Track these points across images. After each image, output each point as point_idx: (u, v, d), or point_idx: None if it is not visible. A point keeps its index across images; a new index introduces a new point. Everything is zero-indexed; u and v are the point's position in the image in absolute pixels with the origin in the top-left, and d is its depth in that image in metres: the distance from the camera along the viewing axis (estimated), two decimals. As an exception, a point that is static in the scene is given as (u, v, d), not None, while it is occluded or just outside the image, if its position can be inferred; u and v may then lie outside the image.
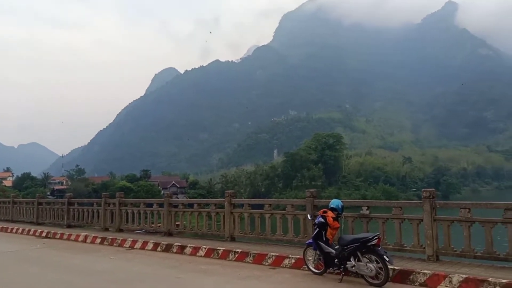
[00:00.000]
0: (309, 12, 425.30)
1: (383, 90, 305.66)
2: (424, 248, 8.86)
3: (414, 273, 7.82)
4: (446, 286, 7.35)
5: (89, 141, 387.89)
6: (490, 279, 7.01)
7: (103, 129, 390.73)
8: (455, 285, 7.27)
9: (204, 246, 11.60)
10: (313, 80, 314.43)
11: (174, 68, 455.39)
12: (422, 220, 8.92)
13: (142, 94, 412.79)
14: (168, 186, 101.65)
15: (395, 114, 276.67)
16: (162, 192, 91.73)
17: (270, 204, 12.03)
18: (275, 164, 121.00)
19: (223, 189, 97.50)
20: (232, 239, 12.41)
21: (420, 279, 7.69)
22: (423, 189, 9.30)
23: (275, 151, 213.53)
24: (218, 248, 11.25)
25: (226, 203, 12.59)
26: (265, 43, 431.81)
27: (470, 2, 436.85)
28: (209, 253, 11.32)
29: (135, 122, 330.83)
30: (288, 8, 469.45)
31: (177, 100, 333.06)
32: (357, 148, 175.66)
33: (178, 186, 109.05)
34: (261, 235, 11.83)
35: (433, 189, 9.24)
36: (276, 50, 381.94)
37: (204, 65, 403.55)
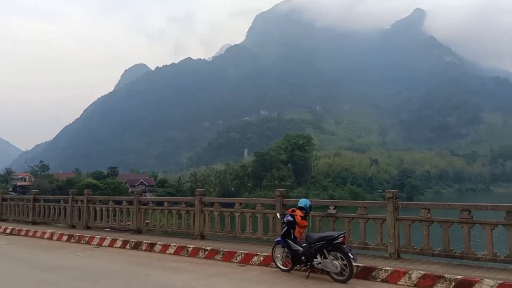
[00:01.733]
0: (282, 13, 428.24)
1: (352, 93, 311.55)
2: (386, 246, 9.27)
3: (376, 269, 8.19)
4: (405, 282, 7.76)
5: (54, 136, 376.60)
6: (446, 275, 7.46)
7: (69, 124, 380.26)
8: (414, 281, 7.69)
9: (174, 244, 11.66)
10: (285, 81, 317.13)
11: (144, 65, 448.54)
12: (385, 219, 9.33)
13: (111, 90, 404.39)
14: (136, 184, 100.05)
15: (363, 117, 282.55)
16: (130, 190, 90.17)
17: (240, 203, 12.22)
18: (245, 164, 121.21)
19: (192, 187, 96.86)
20: (202, 237, 12.52)
21: (382, 276, 8.07)
22: (387, 190, 9.71)
23: (245, 150, 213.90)
24: (188, 246, 11.33)
25: (196, 201, 12.68)
26: (238, 42, 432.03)
27: (438, 10, 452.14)
28: (179, 251, 11.39)
29: (103, 118, 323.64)
30: (262, 8, 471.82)
31: (147, 97, 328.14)
32: (326, 149, 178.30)
33: (147, 184, 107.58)
34: (231, 233, 11.99)
35: (396, 190, 9.66)
36: (249, 49, 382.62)
37: (176, 62, 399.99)
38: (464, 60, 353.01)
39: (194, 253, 11.04)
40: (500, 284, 6.89)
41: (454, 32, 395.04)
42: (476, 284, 7.07)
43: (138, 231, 14.15)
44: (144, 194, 15.25)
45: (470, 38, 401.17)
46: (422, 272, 7.71)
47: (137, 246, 12.40)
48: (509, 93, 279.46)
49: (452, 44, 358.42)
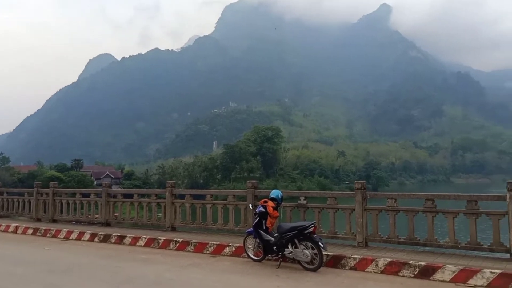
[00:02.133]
0: (251, 5, 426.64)
1: (320, 86, 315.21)
2: (355, 235, 9.56)
3: (345, 258, 8.45)
4: (373, 269, 8.06)
5: (14, 127, 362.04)
6: (411, 262, 7.79)
7: (31, 115, 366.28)
8: (380, 268, 7.99)
9: (144, 236, 11.58)
10: (254, 73, 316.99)
11: (110, 55, 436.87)
12: (354, 209, 9.61)
13: (75, 80, 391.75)
14: (102, 177, 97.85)
15: (331, 110, 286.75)
16: (95, 183, 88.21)
17: (211, 195, 12.25)
18: (214, 156, 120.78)
19: (160, 180, 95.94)
20: (173, 229, 12.48)
21: (351, 264, 8.34)
22: (355, 181, 10.01)
23: (214, 142, 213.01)
24: (159, 238, 11.29)
25: (167, 193, 12.62)
26: (207, 34, 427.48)
27: (403, 6, 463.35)
28: (149, 243, 11.33)
29: (66, 109, 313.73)
30: (231, 0, 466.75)
31: (113, 87, 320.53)
32: (295, 142, 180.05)
33: (113, 176, 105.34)
34: (202, 225, 12.01)
35: (364, 181, 9.97)
36: (218, 41, 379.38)
37: (143, 52, 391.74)
38: (428, 55, 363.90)
39: (165, 245, 11.01)
40: (461, 269, 7.27)
41: (418, 27, 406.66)
42: (439, 270, 7.43)
43: (107, 224, 13.95)
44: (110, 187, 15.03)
45: (434, 33, 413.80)
46: (389, 260, 8.01)
47: (106, 239, 12.23)
48: (469, 88, 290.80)
49: (417, 39, 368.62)
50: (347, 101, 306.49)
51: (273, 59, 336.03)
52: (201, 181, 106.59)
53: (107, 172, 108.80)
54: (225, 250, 10.02)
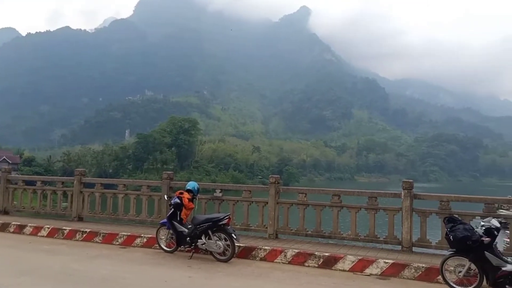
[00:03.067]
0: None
1: (239, 80, 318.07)
2: (266, 227, 9.96)
3: (256, 249, 8.78)
4: (281, 259, 8.49)
5: None
6: (316, 253, 8.35)
7: None
8: (288, 258, 8.45)
9: (48, 226, 10.90)
10: (173, 62, 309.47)
11: (14, 29, 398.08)
12: (267, 202, 9.99)
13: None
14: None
15: (248, 105, 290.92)
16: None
17: (124, 185, 11.89)
18: (126, 145, 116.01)
19: (65, 168, 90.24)
20: (80, 219, 11.91)
21: (261, 255, 8.69)
22: (270, 176, 10.41)
23: (127, 131, 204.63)
24: (64, 228, 10.71)
25: (75, 181, 11.99)
26: (125, 17, 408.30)
27: (321, 9, 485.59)
28: (53, 233, 10.70)
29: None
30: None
31: (15, 65, 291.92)
32: (212, 135, 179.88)
33: (10, 162, 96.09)
34: (113, 215, 11.63)
35: (278, 176, 10.41)
36: (136, 25, 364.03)
37: (52, 30, 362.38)
38: (341, 59, 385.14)
39: (71, 235, 10.49)
40: (359, 259, 7.98)
41: (334, 32, 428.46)
42: (340, 260, 8.07)
43: (5, 212, 12.86)
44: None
45: (347, 39, 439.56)
46: (296, 251, 8.50)
47: (3, 228, 11.30)
48: (375, 93, 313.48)
49: (332, 43, 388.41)
50: (264, 98, 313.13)
51: (193, 49, 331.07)
52: (111, 170, 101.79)
53: (4, 157, 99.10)
54: (136, 241, 9.83)
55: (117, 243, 9.95)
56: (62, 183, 12.70)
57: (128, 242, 9.88)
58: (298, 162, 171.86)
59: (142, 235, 9.89)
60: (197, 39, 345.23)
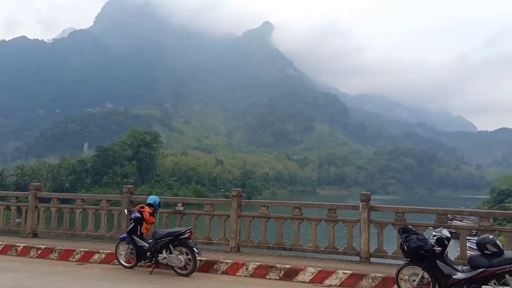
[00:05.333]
0: (135, 4, 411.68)
1: (202, 93, 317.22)
2: (228, 241, 9.97)
3: (217, 263, 8.77)
4: (243, 273, 8.51)
5: None
6: (277, 265, 8.44)
7: None
8: (250, 271, 8.48)
9: (0, 242, 10.42)
10: (135, 74, 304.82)
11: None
12: (229, 216, 10.02)
13: None
14: None
15: (211, 118, 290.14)
16: None
17: (82, 199, 11.58)
18: (84, 158, 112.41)
19: (18, 182, 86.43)
20: (35, 235, 11.46)
21: (223, 268, 8.69)
22: (232, 189, 10.47)
23: (85, 144, 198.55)
24: (18, 244, 10.28)
25: (30, 196, 11.55)
26: (85, 28, 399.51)
27: (284, 25, 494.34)
28: (6, 250, 10.24)
29: None
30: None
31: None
32: (174, 148, 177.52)
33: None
34: (70, 231, 11.29)
35: (240, 189, 10.49)
36: (96, 36, 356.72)
37: (7, 39, 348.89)
38: (303, 74, 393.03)
39: (25, 252, 10.08)
40: (319, 271, 8.14)
41: (296, 48, 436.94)
42: (301, 272, 8.20)
43: (-49, 230, 12.15)
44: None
45: (309, 55, 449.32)
46: (258, 263, 8.56)
47: (-50, 246, 10.66)
48: (336, 108, 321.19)
49: (294, 58, 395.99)
50: (227, 111, 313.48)
51: (156, 62, 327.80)
52: (68, 185, 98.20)
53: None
54: (94, 257, 9.57)
55: (74, 259, 9.65)
56: (16, 198, 12.21)
57: (86, 258, 9.60)
58: (261, 175, 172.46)
59: (101, 250, 9.64)
60: (160, 51, 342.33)
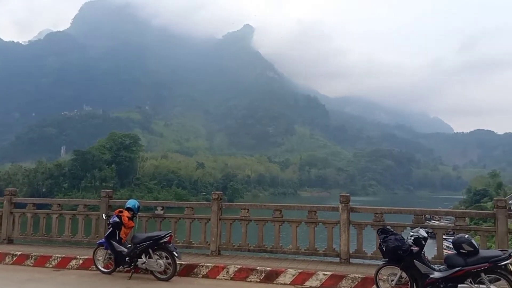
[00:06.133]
0: (115, 5, 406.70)
1: (183, 96, 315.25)
2: (209, 244, 9.93)
3: (198, 266, 8.72)
4: (223, 276, 8.48)
5: None
6: (258, 267, 8.44)
7: None
8: (231, 274, 8.46)
9: (-27, 251, 10.12)
10: (114, 76, 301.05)
11: None
12: (209, 219, 9.98)
13: None
14: None
15: (192, 121, 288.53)
16: None
17: (59, 204, 11.35)
18: (61, 162, 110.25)
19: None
20: (10, 241, 11.19)
21: (203, 272, 8.63)
22: (212, 192, 10.43)
23: (63, 148, 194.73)
24: (-8, 251, 10.00)
25: (5, 201, 11.28)
26: (62, 29, 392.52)
27: (264, 29, 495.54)
28: (-21, 258, 9.94)
29: None
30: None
31: None
32: (154, 151, 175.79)
33: None
34: (46, 236, 11.06)
35: (221, 192, 10.48)
36: (74, 38, 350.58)
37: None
38: (283, 76, 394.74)
39: (0, 259, 9.81)
40: (299, 272, 8.17)
41: (277, 51, 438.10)
42: (281, 274, 8.21)
43: None
44: None
45: (289, 58, 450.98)
46: (238, 266, 8.54)
47: None
48: (316, 110, 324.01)
49: (275, 61, 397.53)
50: (208, 114, 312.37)
51: (136, 63, 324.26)
52: (44, 190, 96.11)
53: None
54: (71, 263, 9.40)
55: (51, 265, 9.46)
56: (-10, 203, 11.88)
57: (63, 264, 9.42)
58: (243, 177, 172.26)
59: (78, 256, 9.47)
60: (140, 53, 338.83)
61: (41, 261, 9.57)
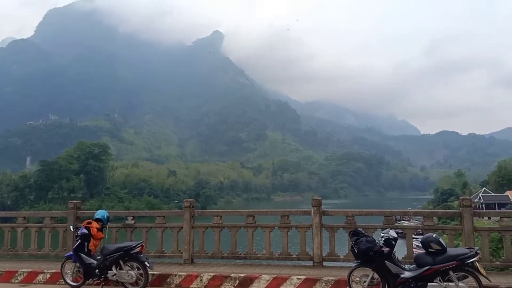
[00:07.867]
0: (81, 12, 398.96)
1: (153, 103, 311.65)
2: (181, 252, 9.77)
3: (171, 276, 8.56)
4: (197, 284, 8.36)
5: None
6: (232, 275, 8.37)
7: None
8: (204, 283, 8.35)
9: None
10: (81, 84, 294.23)
11: None
12: (182, 227, 9.83)
13: None
14: None
15: (163, 128, 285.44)
16: None
17: (24, 217, 10.94)
18: (27, 174, 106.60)
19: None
20: (-28, 258, 10.68)
21: (176, 281, 8.49)
22: (184, 200, 10.29)
23: (28, 158, 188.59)
24: (-48, 269, 9.51)
25: (-34, 216, 10.78)
26: (25, 37, 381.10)
27: (234, 35, 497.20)
28: None
29: None
30: (56, 3, 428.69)
31: None
32: (124, 160, 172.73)
33: None
34: (11, 251, 10.62)
35: (193, 200, 10.34)
36: (38, 46, 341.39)
37: None
38: (254, 82, 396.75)
39: (-39, 277, 9.35)
40: (273, 278, 8.15)
41: (247, 57, 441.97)
42: (256, 280, 8.17)
43: None
44: None
45: (260, 64, 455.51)
46: (212, 274, 8.44)
47: None
48: (287, 115, 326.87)
49: (245, 67, 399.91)
50: (179, 120, 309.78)
51: (103, 71, 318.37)
52: (9, 202, 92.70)
53: None
54: (38, 278, 9.06)
55: (17, 281, 9.10)
56: (-51, 219, 11.34)
57: (29, 279, 9.07)
58: (216, 184, 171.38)
59: (45, 270, 9.14)
60: (108, 60, 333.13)
61: (7, 277, 9.20)
